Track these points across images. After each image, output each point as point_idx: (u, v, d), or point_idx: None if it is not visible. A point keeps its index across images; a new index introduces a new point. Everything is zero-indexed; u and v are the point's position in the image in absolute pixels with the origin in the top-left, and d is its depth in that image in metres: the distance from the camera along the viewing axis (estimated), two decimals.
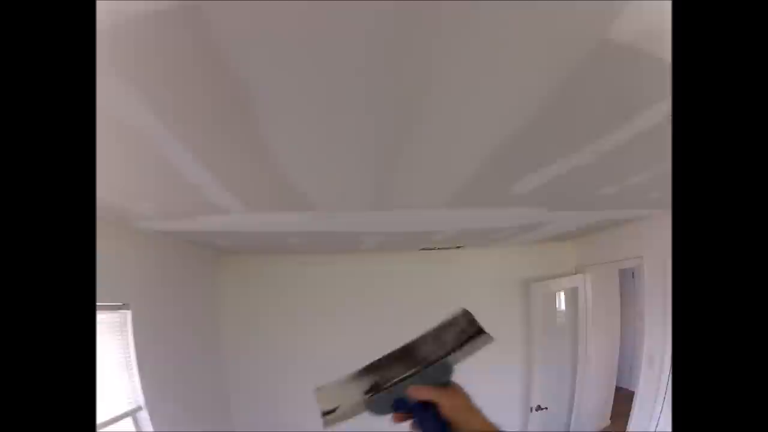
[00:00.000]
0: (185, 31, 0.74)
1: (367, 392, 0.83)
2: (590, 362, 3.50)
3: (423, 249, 3.66)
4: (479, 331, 0.83)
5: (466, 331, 0.84)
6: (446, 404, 0.76)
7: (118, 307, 2.21)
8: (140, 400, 2.26)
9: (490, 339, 0.81)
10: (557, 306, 3.79)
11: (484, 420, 0.74)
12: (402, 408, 0.81)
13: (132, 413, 2.24)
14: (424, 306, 3.54)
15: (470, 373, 0.86)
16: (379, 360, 0.86)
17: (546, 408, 3.46)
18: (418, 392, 0.79)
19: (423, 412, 0.78)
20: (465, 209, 2.17)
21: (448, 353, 0.84)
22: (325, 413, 0.84)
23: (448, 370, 0.82)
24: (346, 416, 0.84)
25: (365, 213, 2.16)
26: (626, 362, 4.36)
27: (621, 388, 4.07)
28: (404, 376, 0.83)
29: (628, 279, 4.54)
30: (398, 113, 1.10)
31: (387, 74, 0.92)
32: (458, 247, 3.60)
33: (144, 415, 2.26)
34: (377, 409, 0.82)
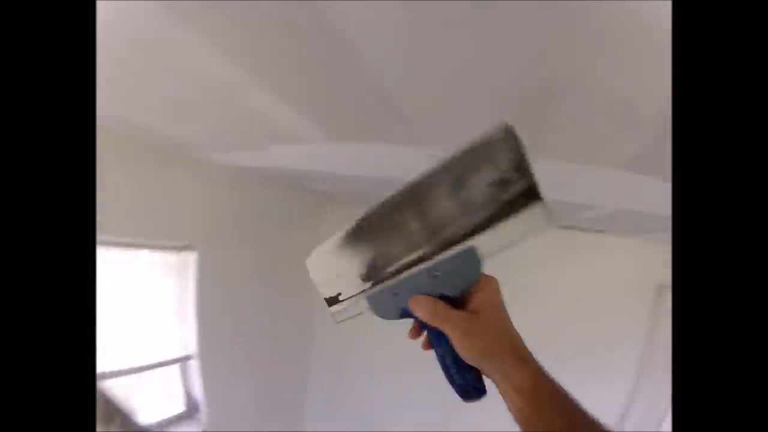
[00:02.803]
0: None
1: (364, 278, 0.61)
2: None
3: (564, 227, 3.06)
4: (528, 194, 0.51)
5: (510, 187, 0.52)
6: (458, 347, 0.53)
7: (180, 248, 1.98)
8: (191, 348, 2.09)
9: (546, 214, 0.51)
10: None
11: (507, 370, 0.52)
12: (414, 318, 0.58)
13: (180, 361, 2.06)
14: (543, 298, 3.15)
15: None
16: (374, 214, 0.60)
17: None
18: (426, 315, 0.55)
19: (436, 334, 0.55)
20: (644, 177, 1.54)
21: (477, 229, 0.54)
22: (330, 301, 0.64)
23: (474, 264, 0.54)
24: (351, 312, 0.63)
25: None
26: None
27: None
28: (408, 261, 0.57)
29: None
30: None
31: None
32: (599, 231, 3.11)
33: (194, 364, 2.07)
34: (381, 312, 0.59)
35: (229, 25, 0.80)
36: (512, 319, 0.55)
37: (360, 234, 0.60)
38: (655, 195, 1.78)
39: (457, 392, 0.56)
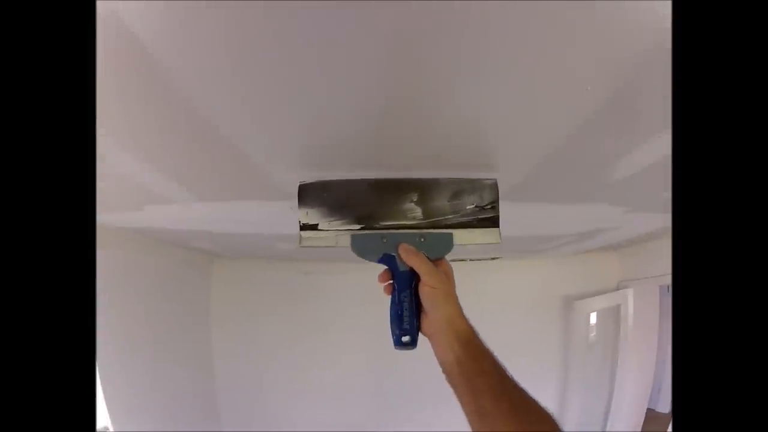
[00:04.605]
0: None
1: (356, 221, 0.76)
2: (627, 385, 3.37)
3: (457, 260, 2.99)
4: (493, 221, 0.77)
5: (483, 213, 0.78)
6: (428, 284, 0.70)
7: None
8: (106, 421, 1.92)
9: (496, 238, 0.77)
10: (599, 325, 3.47)
11: (455, 317, 0.68)
12: (389, 265, 0.74)
13: None
14: None
15: None
16: (385, 185, 0.77)
17: None
18: (410, 256, 0.72)
19: (404, 282, 0.72)
20: (526, 205, 1.52)
21: (456, 226, 0.77)
22: (304, 227, 0.76)
23: (449, 244, 0.76)
24: (324, 242, 0.75)
25: None
26: (656, 383, 4.19)
27: (648, 408, 3.93)
28: (404, 224, 0.76)
29: (664, 295, 4.38)
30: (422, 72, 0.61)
31: None
32: (493, 259, 3.22)
33: None
34: (360, 250, 0.75)
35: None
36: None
37: (362, 189, 0.75)
38: (536, 218, 1.86)
39: (396, 338, 0.71)
